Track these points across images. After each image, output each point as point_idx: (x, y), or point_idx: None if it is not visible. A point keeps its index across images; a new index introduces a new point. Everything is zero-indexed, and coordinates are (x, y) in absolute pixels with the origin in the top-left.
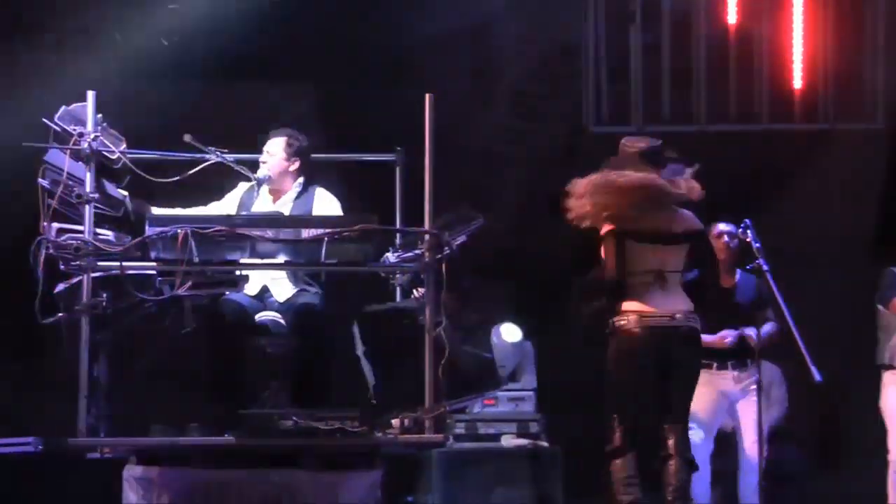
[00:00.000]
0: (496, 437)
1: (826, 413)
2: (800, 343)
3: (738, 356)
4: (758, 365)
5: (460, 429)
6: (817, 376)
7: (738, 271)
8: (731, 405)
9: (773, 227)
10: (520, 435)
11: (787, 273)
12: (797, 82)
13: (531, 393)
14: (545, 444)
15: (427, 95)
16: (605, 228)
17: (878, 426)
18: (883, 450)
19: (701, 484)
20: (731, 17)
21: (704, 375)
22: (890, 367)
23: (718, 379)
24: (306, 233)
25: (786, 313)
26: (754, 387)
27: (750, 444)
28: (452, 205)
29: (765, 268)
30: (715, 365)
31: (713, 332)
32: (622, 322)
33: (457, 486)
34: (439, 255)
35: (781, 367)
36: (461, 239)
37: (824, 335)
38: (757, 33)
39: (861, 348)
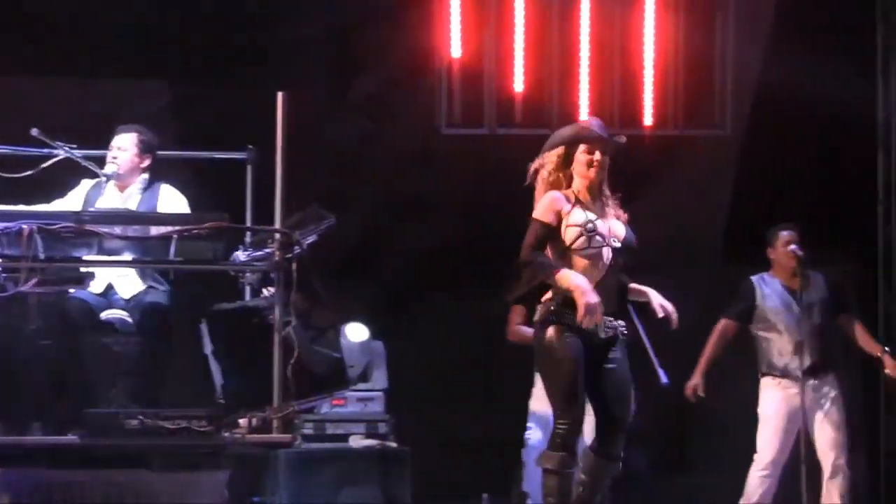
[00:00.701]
0: (344, 438)
1: (674, 416)
2: (647, 345)
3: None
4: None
5: (308, 429)
6: (664, 379)
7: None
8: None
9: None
10: (368, 435)
11: (639, 277)
12: (648, 88)
13: (381, 393)
14: (394, 444)
15: (279, 94)
16: None
17: (728, 429)
18: (730, 452)
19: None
20: (584, 24)
21: None
22: (766, 374)
23: None
24: (155, 230)
25: (633, 316)
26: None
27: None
28: (304, 204)
29: None
30: None
31: None
32: None
33: (304, 486)
34: (289, 255)
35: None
36: (312, 238)
37: (674, 337)
38: (609, 39)
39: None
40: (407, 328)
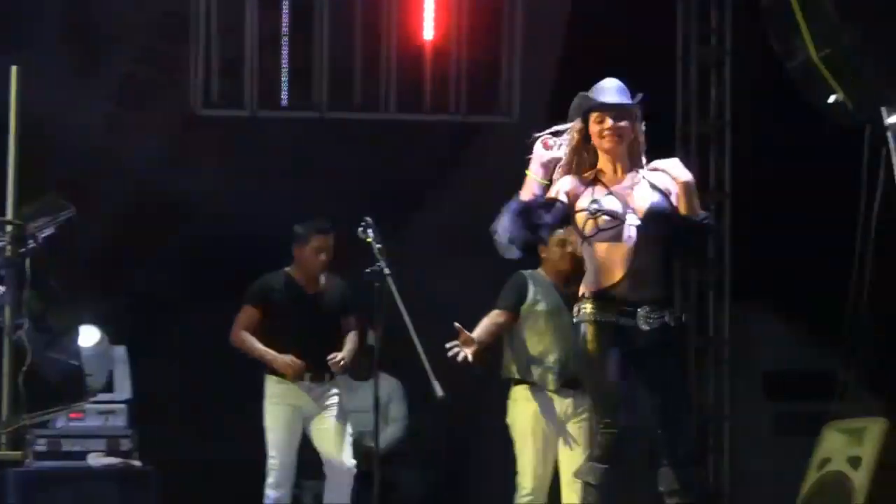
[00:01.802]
0: (82, 456)
1: (452, 431)
2: (421, 354)
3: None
4: (375, 378)
5: (41, 445)
6: (439, 391)
7: (324, 275)
8: (305, 421)
9: (403, 223)
10: (109, 453)
11: (413, 273)
12: (427, 73)
13: (123, 406)
14: (138, 463)
15: (13, 68)
16: None
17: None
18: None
19: None
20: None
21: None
22: (521, 382)
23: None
24: None
25: (407, 321)
26: (335, 400)
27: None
28: (40, 193)
29: (386, 271)
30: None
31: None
32: None
33: None
34: (23, 249)
35: (402, 382)
36: (49, 231)
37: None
38: (385, 22)
39: (497, 356)
40: (157, 336)
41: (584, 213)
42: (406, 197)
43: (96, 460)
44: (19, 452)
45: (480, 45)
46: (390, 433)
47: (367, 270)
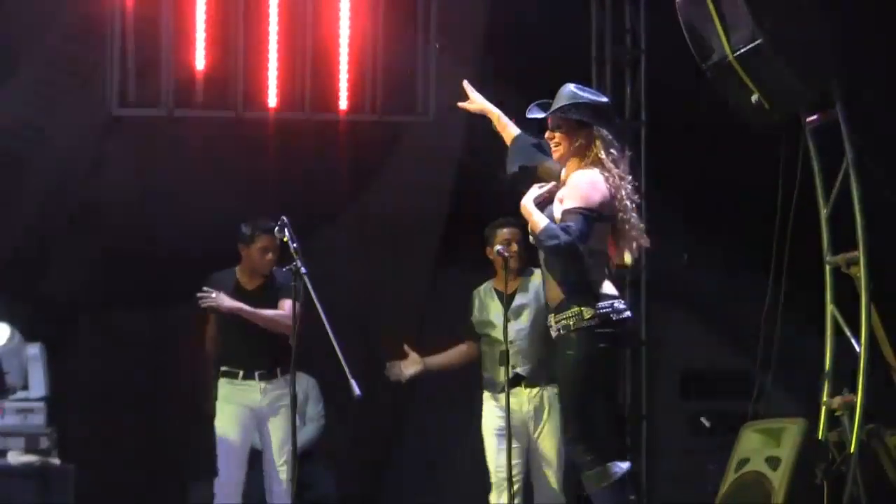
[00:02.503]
0: (1, 454)
1: (367, 432)
2: (339, 353)
3: (266, 366)
4: (292, 376)
5: None
6: (357, 391)
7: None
8: (259, 421)
9: (319, 222)
10: (28, 451)
11: (331, 271)
12: (343, 72)
13: (41, 404)
14: (56, 461)
15: None
16: None
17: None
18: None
19: None
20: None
21: (227, 387)
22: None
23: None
24: None
25: (324, 319)
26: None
27: (279, 466)
28: None
29: (303, 270)
30: (241, 374)
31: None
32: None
33: None
34: None
35: (318, 381)
36: None
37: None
38: (301, 23)
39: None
40: (73, 335)
41: None
42: (322, 196)
43: (15, 458)
44: None
45: (396, 46)
46: (306, 433)
47: (284, 269)
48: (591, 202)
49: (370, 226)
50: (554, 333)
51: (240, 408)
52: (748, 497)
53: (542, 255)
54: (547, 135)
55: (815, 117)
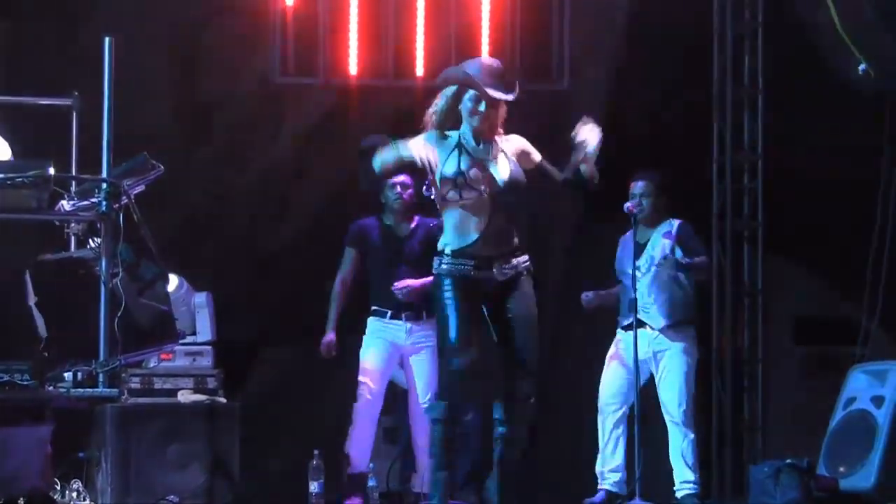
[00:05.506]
0: (172, 393)
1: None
2: None
3: (412, 307)
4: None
5: (135, 383)
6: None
7: (417, 217)
8: (402, 358)
9: None
10: (197, 391)
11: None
12: (485, 43)
13: (209, 348)
14: (223, 400)
15: (106, 39)
16: None
17: None
18: None
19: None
20: None
21: (375, 324)
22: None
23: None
24: None
25: None
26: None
27: (423, 402)
28: (131, 153)
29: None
30: (389, 314)
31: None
32: None
33: (131, 441)
34: (117, 205)
35: None
36: (140, 188)
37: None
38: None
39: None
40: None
41: (449, 182)
42: None
43: (185, 397)
44: (116, 390)
45: (533, 19)
46: None
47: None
48: None
49: None
50: (501, 278)
51: (385, 342)
52: (855, 433)
53: (502, 211)
54: (487, 111)
55: None
